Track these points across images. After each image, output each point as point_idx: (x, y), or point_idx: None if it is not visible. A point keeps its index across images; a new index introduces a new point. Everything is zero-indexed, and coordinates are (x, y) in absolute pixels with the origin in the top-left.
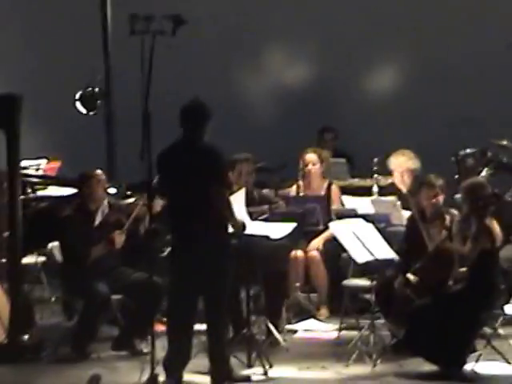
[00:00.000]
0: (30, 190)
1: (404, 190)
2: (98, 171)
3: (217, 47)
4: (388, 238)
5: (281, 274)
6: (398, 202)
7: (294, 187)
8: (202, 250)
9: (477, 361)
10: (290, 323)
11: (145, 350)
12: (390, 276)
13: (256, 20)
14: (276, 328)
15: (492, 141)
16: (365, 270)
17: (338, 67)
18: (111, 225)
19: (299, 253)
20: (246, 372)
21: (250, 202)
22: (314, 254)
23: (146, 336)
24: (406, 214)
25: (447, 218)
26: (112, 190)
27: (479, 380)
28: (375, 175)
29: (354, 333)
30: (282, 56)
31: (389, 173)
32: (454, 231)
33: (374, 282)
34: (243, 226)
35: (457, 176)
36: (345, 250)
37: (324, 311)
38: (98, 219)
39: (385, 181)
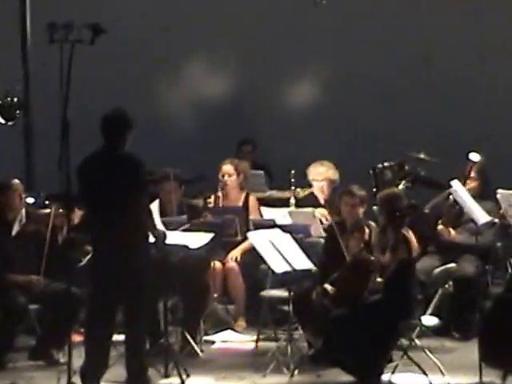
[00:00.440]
0: None
1: (322, 200)
2: (15, 180)
3: (137, 58)
4: (306, 248)
5: (200, 285)
6: (316, 213)
7: (213, 198)
8: (121, 261)
9: (393, 371)
10: (207, 334)
11: (62, 360)
12: (308, 287)
13: (177, 32)
14: (193, 339)
15: (409, 154)
16: (283, 280)
17: (258, 80)
18: (29, 235)
19: (217, 264)
20: (163, 382)
21: (179, 212)
22: (232, 264)
23: (63, 346)
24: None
25: (366, 230)
26: (30, 200)
27: None
28: (293, 187)
29: (272, 344)
30: (202, 68)
31: (307, 185)
32: (373, 242)
33: (292, 293)
34: (164, 236)
35: (374, 189)
36: (263, 261)
37: (241, 322)
38: (16, 229)
39: (303, 192)
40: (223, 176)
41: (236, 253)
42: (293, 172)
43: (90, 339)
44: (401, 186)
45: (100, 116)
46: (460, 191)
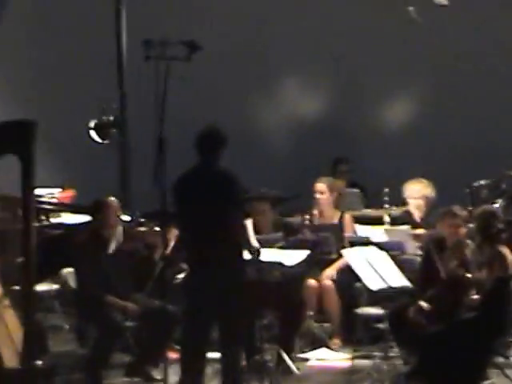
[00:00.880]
0: (44, 218)
1: (418, 218)
2: (112, 198)
3: (233, 75)
4: (401, 265)
5: (296, 302)
6: (412, 231)
7: (308, 216)
8: (216, 278)
9: None
10: (302, 352)
11: (158, 377)
12: (404, 304)
13: (272, 50)
14: (289, 356)
15: (506, 172)
16: (378, 298)
17: (352, 98)
18: (126, 253)
19: (312, 282)
20: None
21: (276, 229)
22: (328, 283)
23: (159, 363)
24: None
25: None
26: (126, 218)
27: None
28: (386, 205)
29: (367, 362)
30: (297, 86)
31: (402, 203)
32: (469, 259)
33: (387, 311)
34: (258, 252)
35: (471, 207)
36: (358, 279)
37: (337, 340)
38: (112, 246)
39: (398, 211)
40: (317, 194)
41: (331, 271)
42: (387, 190)
43: (185, 356)
44: (497, 204)
45: (195, 133)
46: None
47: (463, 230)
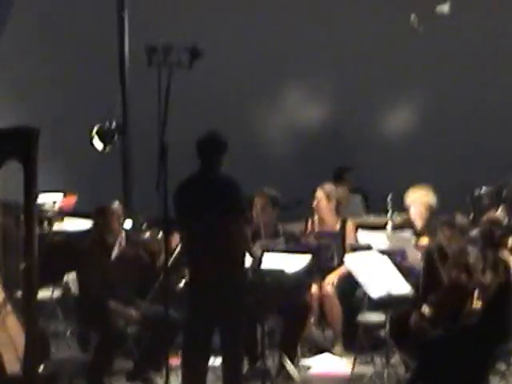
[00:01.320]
0: (46, 224)
1: (419, 225)
2: (114, 204)
3: (236, 83)
4: (403, 272)
5: (300, 305)
6: (413, 238)
7: (309, 223)
8: (218, 284)
9: None
10: (304, 357)
11: (159, 383)
12: (405, 310)
13: (274, 58)
14: (291, 362)
15: (507, 179)
16: (379, 304)
17: (355, 105)
18: (128, 259)
19: (314, 288)
20: None
21: (273, 235)
22: (329, 289)
23: (161, 368)
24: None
25: (466, 257)
26: (128, 224)
27: None
28: (389, 211)
29: (369, 368)
30: (299, 94)
31: (404, 209)
32: (472, 265)
33: (389, 317)
34: (261, 258)
35: (472, 215)
36: (359, 286)
37: (338, 348)
38: (115, 252)
39: (400, 218)
40: (315, 201)
41: (332, 277)
42: (390, 197)
43: (186, 362)
44: (499, 212)
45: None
46: None
47: (462, 240)
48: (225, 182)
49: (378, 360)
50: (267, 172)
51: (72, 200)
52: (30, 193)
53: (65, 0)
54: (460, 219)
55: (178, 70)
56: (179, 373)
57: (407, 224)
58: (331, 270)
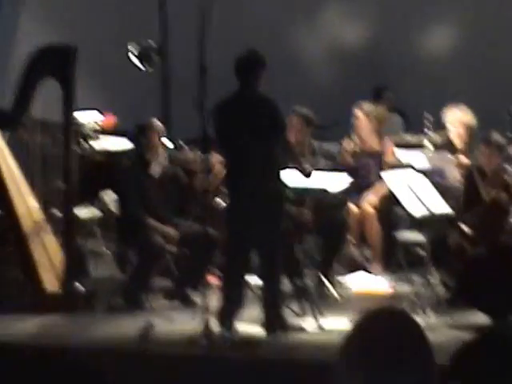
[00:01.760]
0: (86, 143)
1: (459, 145)
2: (155, 120)
3: (276, 2)
4: (443, 192)
5: (337, 222)
6: (453, 158)
7: (346, 143)
8: (257, 203)
9: None
10: (340, 275)
11: (197, 300)
12: (445, 229)
13: None
14: (329, 280)
15: None
16: (419, 223)
17: (394, 25)
18: (169, 177)
19: (353, 207)
20: (298, 322)
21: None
22: (369, 209)
23: (199, 286)
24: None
25: (504, 175)
26: (169, 143)
27: None
28: (427, 130)
29: (408, 287)
30: (339, 14)
31: (442, 128)
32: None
33: (428, 236)
34: (309, 174)
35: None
36: (399, 204)
37: (377, 266)
38: (156, 169)
39: (438, 137)
40: (354, 119)
41: (374, 198)
42: (429, 116)
43: (226, 281)
44: None
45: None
46: None
47: (499, 157)
48: (263, 101)
49: (417, 279)
50: (306, 93)
51: (112, 120)
52: (68, 111)
53: None
54: (496, 136)
55: None
56: (217, 291)
57: (446, 144)
58: (369, 187)
